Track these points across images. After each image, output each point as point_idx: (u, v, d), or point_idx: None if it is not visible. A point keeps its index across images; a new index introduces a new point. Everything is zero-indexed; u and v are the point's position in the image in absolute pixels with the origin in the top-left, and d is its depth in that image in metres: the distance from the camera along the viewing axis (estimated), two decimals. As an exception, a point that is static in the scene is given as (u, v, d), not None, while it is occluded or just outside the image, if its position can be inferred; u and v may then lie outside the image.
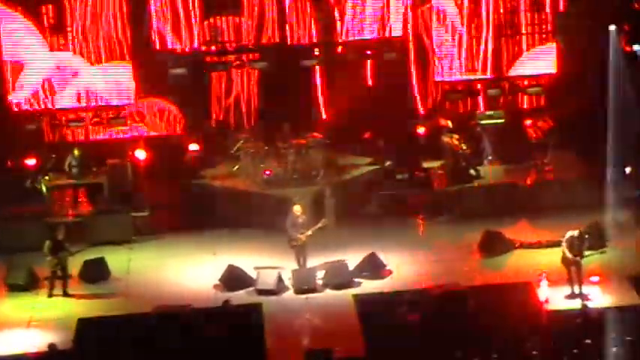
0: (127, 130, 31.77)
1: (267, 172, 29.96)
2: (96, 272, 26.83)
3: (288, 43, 31.61)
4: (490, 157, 31.79)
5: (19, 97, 30.87)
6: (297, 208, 26.50)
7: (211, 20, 31.29)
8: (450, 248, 27.95)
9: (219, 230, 29.14)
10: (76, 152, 30.78)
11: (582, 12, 31.04)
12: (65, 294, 25.94)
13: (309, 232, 26.16)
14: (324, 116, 32.49)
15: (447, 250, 27.92)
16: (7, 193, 29.82)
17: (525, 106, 32.23)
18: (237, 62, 31.46)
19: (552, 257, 25.29)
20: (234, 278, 26.07)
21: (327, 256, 26.62)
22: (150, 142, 31.87)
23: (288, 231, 26.29)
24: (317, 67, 32.20)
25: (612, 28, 30.46)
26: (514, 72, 31.87)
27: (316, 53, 31.71)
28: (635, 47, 31.58)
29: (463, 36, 31.66)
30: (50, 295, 25.90)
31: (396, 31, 31.72)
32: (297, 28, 31.60)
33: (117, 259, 27.58)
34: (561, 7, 31.51)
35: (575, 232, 24.70)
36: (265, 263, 26.69)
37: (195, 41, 31.36)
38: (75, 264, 26.68)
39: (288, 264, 26.35)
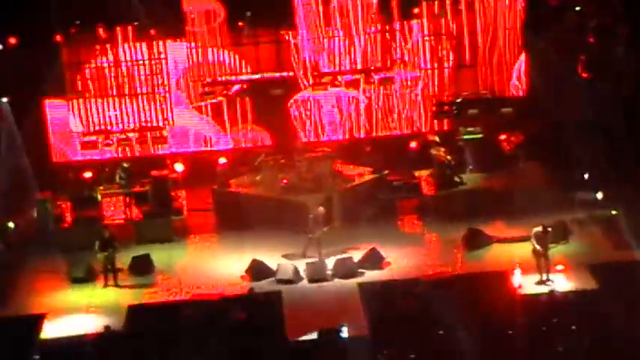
0: (167, 146, 31.81)
1: (285, 181, 29.76)
2: (142, 266, 26.75)
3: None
4: (471, 167, 31.67)
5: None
6: (321, 209, 27.00)
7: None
8: (438, 243, 28.01)
9: (244, 230, 28.86)
10: (124, 165, 30.65)
11: (546, 46, 31.10)
12: (117, 285, 25.95)
13: (325, 229, 26.56)
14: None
15: (436, 244, 28.00)
16: (68, 201, 29.70)
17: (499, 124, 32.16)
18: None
19: (524, 250, 25.19)
20: (257, 270, 25.96)
21: (336, 250, 26.64)
22: (186, 156, 31.86)
23: (310, 225, 26.56)
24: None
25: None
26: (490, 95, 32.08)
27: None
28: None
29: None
30: (105, 286, 25.92)
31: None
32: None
33: (160, 256, 27.43)
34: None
35: (540, 228, 24.72)
36: (283, 257, 26.63)
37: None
38: (125, 260, 26.70)
39: (301, 257, 26.40)
